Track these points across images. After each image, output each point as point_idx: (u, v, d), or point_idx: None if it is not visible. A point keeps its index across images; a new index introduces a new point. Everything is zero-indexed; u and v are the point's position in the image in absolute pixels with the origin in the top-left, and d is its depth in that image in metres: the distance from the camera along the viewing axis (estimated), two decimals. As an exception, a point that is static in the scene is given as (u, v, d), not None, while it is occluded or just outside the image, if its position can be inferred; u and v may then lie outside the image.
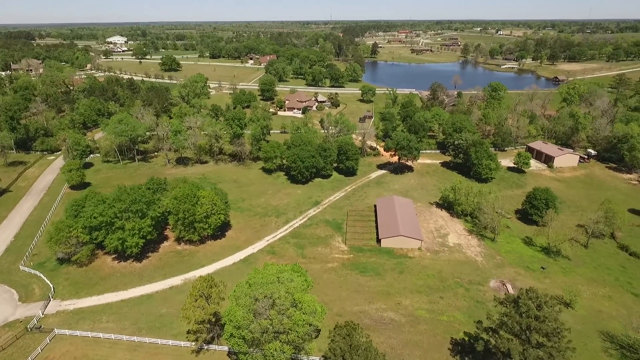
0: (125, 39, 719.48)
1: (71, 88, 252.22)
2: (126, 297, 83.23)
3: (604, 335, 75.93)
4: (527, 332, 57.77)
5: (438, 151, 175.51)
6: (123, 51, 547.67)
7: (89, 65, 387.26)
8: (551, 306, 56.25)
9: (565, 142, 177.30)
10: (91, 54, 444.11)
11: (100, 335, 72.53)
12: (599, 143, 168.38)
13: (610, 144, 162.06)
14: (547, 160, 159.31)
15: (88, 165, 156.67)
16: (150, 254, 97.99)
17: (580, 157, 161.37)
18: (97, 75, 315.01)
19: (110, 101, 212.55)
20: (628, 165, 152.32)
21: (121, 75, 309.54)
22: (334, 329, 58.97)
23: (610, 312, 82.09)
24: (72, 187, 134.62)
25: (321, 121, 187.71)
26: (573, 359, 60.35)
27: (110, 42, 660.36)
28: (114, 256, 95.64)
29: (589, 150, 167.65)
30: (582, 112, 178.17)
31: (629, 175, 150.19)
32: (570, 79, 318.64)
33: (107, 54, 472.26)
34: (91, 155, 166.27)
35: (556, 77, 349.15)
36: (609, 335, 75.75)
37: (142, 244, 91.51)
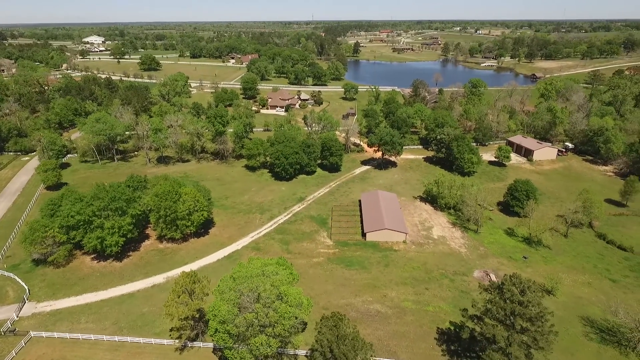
0: (102, 39, 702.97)
1: (46, 88, 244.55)
2: (106, 297, 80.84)
3: (584, 320, 77.57)
4: (512, 317, 58.37)
5: (421, 146, 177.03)
6: (100, 51, 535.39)
7: (64, 65, 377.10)
8: (534, 291, 56.97)
9: (543, 136, 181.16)
10: (67, 53, 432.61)
11: (79, 336, 70.19)
12: (575, 136, 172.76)
13: (586, 137, 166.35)
14: (527, 153, 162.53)
15: (65, 165, 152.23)
16: (131, 253, 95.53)
17: (559, 150, 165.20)
18: (73, 75, 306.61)
19: (87, 100, 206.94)
20: (604, 157, 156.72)
21: (99, 75, 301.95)
22: (321, 320, 58.41)
23: (590, 298, 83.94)
24: (48, 188, 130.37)
25: (304, 118, 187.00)
26: (555, 343, 61.32)
27: (87, 42, 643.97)
28: (93, 256, 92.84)
29: (567, 143, 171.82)
30: (559, 107, 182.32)
31: (604, 167, 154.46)
32: (547, 76, 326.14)
33: (84, 53, 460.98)
34: (68, 155, 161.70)
35: (534, 74, 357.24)
36: (589, 320, 77.44)
37: (122, 243, 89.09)
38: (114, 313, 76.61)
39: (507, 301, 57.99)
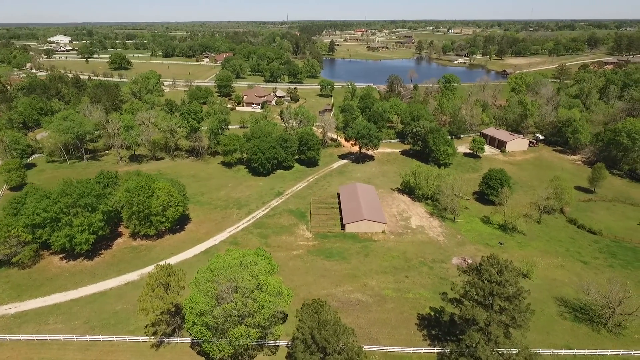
0: (69, 38, 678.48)
1: (8, 87, 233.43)
2: (76, 296, 77.21)
3: (558, 300, 79.72)
4: (490, 297, 59.00)
5: (397, 140, 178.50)
6: (67, 50, 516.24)
7: (28, 65, 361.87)
8: (511, 271, 57.80)
9: (515, 128, 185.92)
10: (31, 53, 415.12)
11: (47, 337, 66.62)
12: (545, 128, 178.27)
13: (555, 128, 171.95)
14: (500, 145, 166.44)
15: (30, 166, 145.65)
16: (102, 251, 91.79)
17: (530, 141, 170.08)
18: (38, 74, 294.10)
19: (53, 99, 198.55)
20: (572, 147, 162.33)
21: (66, 74, 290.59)
22: (301, 307, 57.44)
23: (563, 280, 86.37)
24: (12, 189, 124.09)
25: (281, 113, 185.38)
26: (532, 321, 62.50)
27: (53, 42, 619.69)
28: (61, 255, 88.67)
29: (537, 134, 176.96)
30: (529, 100, 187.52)
31: (573, 157, 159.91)
32: (517, 71, 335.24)
33: (49, 53, 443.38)
34: (33, 155, 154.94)
35: (504, 71, 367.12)
36: (563, 300, 79.66)
37: (92, 241, 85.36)
38: (85, 312, 73.20)
39: (485, 281, 58.63)
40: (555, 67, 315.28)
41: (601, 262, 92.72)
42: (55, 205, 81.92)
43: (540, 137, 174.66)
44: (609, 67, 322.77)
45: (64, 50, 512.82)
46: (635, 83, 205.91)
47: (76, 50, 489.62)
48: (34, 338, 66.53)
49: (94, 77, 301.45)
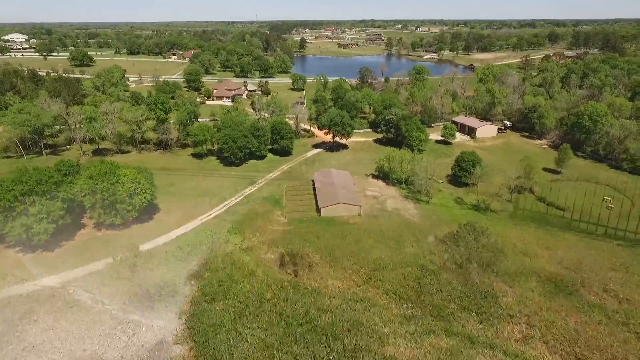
0: (26, 37, 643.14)
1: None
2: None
3: (534, 273, 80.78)
4: (468, 265, 58.81)
5: (370, 129, 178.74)
6: (24, 49, 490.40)
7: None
8: (488, 236, 57.81)
9: (484, 116, 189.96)
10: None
11: None
12: (513, 115, 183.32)
13: (522, 115, 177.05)
14: (470, 132, 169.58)
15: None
16: (64, 242, 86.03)
17: (499, 128, 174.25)
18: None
19: (7, 93, 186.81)
20: (538, 132, 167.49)
21: (22, 69, 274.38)
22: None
23: (537, 253, 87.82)
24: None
25: (252, 103, 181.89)
26: (508, 292, 62.88)
27: (8, 40, 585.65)
28: (17, 249, 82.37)
29: (505, 121, 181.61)
30: (497, 88, 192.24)
31: (539, 141, 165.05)
32: (484, 65, 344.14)
33: (4, 51, 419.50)
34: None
35: (472, 65, 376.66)
36: (537, 273, 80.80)
37: (52, 230, 79.80)
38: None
39: (462, 248, 58.36)
40: (519, 60, 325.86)
41: (570, 237, 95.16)
42: (9, 193, 76.03)
43: (508, 123, 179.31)
44: (569, 59, 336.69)
45: (20, 49, 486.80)
46: (594, 72, 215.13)
47: (34, 48, 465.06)
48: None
49: (53, 74, 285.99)
